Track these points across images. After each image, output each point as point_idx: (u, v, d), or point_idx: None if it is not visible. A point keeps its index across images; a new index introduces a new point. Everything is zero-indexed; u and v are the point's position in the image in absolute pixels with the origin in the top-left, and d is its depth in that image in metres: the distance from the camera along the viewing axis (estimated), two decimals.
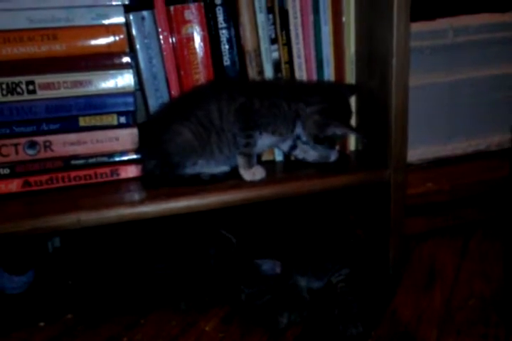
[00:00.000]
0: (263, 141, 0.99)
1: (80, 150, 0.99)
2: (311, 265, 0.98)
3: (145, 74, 1.02)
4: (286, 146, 1.04)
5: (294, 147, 1.04)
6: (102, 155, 1.00)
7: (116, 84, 0.98)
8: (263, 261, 0.93)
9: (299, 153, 1.04)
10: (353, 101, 1.08)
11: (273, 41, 1.03)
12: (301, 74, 1.05)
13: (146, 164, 0.99)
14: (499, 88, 1.37)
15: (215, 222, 1.10)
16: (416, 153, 1.33)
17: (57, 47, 0.96)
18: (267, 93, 0.97)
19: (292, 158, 1.08)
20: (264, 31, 1.02)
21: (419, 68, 1.23)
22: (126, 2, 0.97)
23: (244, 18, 1.01)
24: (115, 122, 0.99)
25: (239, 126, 0.96)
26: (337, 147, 1.08)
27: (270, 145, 1.03)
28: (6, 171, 0.96)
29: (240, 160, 0.98)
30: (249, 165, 0.97)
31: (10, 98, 0.94)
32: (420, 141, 1.32)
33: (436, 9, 1.29)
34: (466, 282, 1.02)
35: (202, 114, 0.96)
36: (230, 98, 0.97)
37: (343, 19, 1.03)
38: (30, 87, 0.94)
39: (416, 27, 1.19)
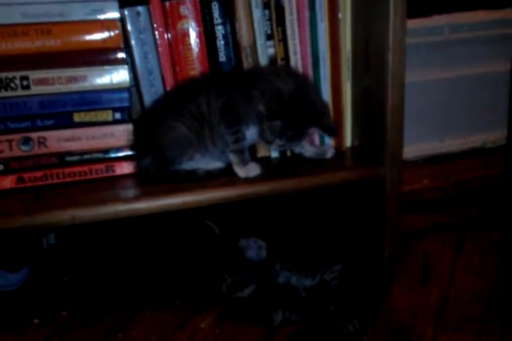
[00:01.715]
0: (252, 132, 0.99)
1: (74, 146, 0.98)
2: (301, 262, 0.97)
3: (140, 70, 1.01)
4: None
5: None
6: (97, 151, 0.99)
7: (112, 80, 0.97)
8: (248, 243, 0.93)
9: (295, 147, 1.04)
10: (348, 97, 1.08)
11: (269, 37, 1.02)
12: None
13: (140, 161, 0.98)
14: (495, 85, 1.37)
15: (206, 216, 1.10)
16: (412, 149, 1.33)
17: (52, 43, 0.95)
18: (244, 84, 0.97)
19: (288, 153, 1.08)
20: (260, 27, 1.01)
21: (414, 65, 1.23)
22: None
23: (240, 13, 1.00)
24: (110, 118, 0.99)
25: (224, 124, 0.96)
26: (332, 143, 1.09)
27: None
28: (0, 167, 0.96)
29: (233, 158, 0.98)
30: (243, 162, 0.97)
31: (4, 93, 0.94)
32: (416, 138, 1.32)
33: (432, 6, 1.29)
34: (461, 278, 1.02)
35: (193, 107, 0.96)
36: (216, 93, 0.97)
37: (340, 16, 1.03)
38: (25, 83, 0.94)
39: (412, 23, 1.19)
